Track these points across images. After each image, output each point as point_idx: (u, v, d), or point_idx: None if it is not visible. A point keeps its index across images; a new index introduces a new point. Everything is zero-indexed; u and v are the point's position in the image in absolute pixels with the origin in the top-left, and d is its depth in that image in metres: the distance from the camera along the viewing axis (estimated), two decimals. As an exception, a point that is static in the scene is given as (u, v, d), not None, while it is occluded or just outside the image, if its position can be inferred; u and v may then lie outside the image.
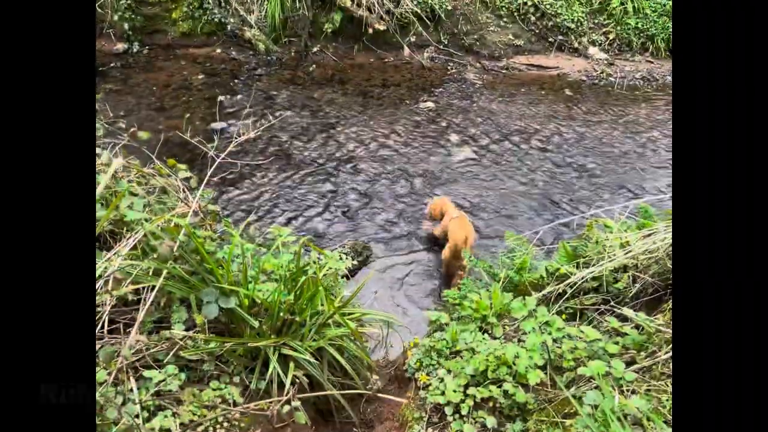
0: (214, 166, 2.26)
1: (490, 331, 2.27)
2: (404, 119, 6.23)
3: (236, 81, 6.62)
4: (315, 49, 7.28)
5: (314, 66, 7.10)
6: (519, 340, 2.13)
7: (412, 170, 5.32)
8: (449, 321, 2.55)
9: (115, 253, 1.77)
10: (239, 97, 6.28)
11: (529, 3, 7.45)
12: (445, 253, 3.74)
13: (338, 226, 4.53)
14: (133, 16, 6.91)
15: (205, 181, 2.14)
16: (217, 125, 5.52)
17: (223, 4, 6.96)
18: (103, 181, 1.67)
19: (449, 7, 7.37)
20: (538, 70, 7.51)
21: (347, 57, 7.35)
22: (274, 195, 4.79)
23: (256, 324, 1.97)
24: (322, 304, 2.21)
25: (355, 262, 3.42)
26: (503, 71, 7.45)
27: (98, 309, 1.63)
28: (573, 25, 7.58)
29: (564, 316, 2.24)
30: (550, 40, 7.64)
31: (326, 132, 5.83)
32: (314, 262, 2.62)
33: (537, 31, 7.64)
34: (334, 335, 2.10)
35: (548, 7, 7.51)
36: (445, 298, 2.70)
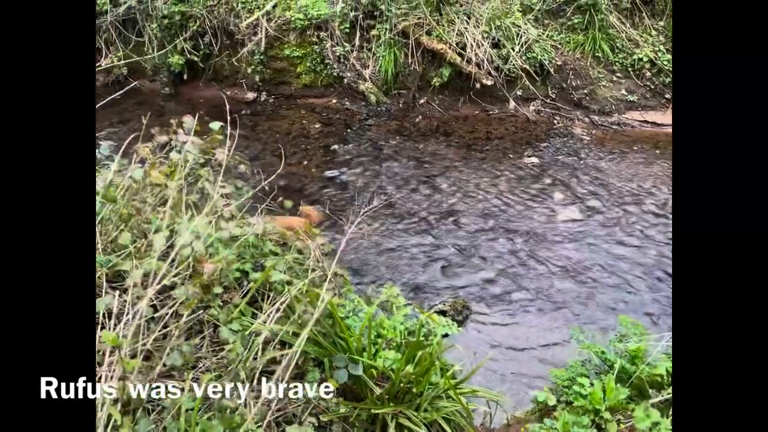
0: (346, 237, 2.52)
1: (603, 426, 2.23)
2: (507, 174, 6.28)
3: (349, 131, 7.14)
4: (422, 101, 7.64)
5: (420, 117, 7.44)
6: (637, 443, 2.07)
7: (513, 227, 5.32)
8: (556, 403, 2.54)
9: (268, 315, 2.06)
10: (350, 146, 6.76)
11: (645, 59, 7.22)
12: None
13: (437, 281, 4.65)
14: (264, 69, 7.79)
15: (339, 250, 2.39)
16: (331, 173, 5.99)
17: (341, 60, 7.61)
18: (275, 267, 1.98)
19: (559, 63, 7.38)
20: (653, 127, 7.18)
21: (452, 109, 7.61)
22: (378, 245, 5.05)
23: (378, 391, 2.14)
24: (435, 375, 2.34)
25: (460, 329, 3.50)
26: (614, 127, 7.23)
27: (253, 370, 1.90)
28: (694, 81, 7.18)
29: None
30: (667, 96, 7.30)
31: (429, 183, 6.05)
32: (421, 326, 2.76)
33: (652, 87, 7.34)
34: (448, 411, 2.20)
35: (666, 63, 7.21)
36: (553, 379, 2.68)
